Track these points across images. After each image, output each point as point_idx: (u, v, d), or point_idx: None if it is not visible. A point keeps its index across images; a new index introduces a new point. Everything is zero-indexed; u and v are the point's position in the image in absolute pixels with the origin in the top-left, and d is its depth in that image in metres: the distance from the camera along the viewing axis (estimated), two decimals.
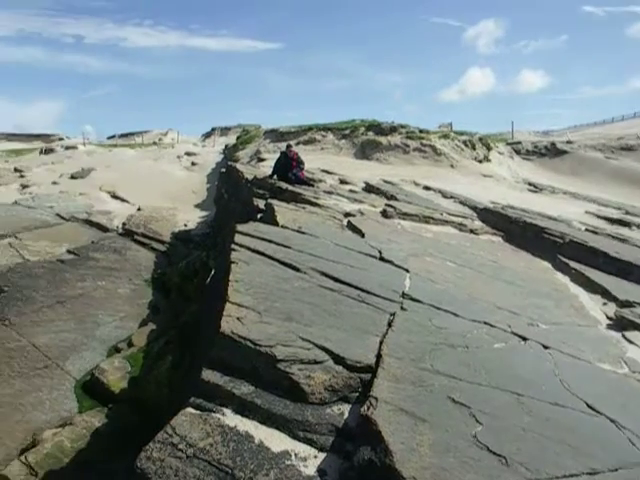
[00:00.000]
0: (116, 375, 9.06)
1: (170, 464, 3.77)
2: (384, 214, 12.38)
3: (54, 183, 28.62)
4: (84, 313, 11.35)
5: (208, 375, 4.52)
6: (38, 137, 54.84)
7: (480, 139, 30.00)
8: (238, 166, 20.08)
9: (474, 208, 14.96)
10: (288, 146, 15.98)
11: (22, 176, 30.84)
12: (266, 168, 18.86)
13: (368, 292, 6.61)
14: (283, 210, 10.63)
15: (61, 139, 53.12)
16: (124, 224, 19.08)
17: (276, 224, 9.42)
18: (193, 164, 34.33)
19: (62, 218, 20.08)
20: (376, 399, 4.21)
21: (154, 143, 47.26)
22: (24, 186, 28.20)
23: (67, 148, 43.30)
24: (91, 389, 9.03)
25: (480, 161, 27.46)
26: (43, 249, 15.70)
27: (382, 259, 8.39)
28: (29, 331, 10.30)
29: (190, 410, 4.28)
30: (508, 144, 31.34)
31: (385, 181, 18.79)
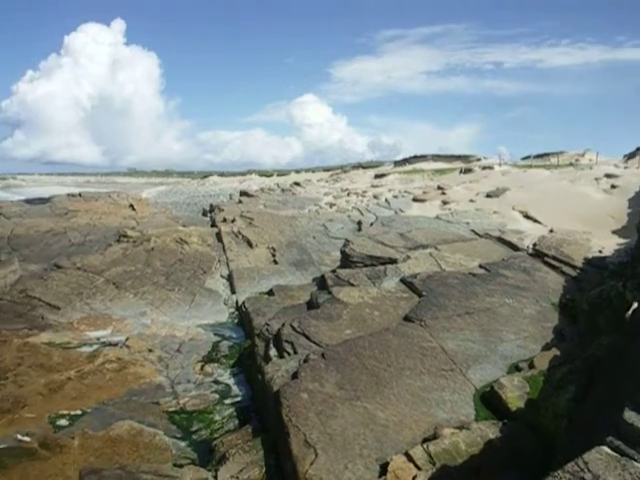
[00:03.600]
0: (514, 393, 9.11)
1: None
2: None
3: (471, 201, 30.65)
4: (489, 327, 11.78)
5: (632, 417, 4.17)
6: (458, 158, 58.79)
7: None
8: None
9: None
10: None
11: (443, 193, 34.10)
12: None
13: None
14: None
15: (478, 159, 56.03)
16: (535, 245, 18.95)
17: None
18: (613, 187, 31.70)
19: (476, 234, 21.33)
20: None
21: (570, 164, 45.47)
22: (444, 202, 31.19)
23: (483, 168, 45.54)
24: (488, 401, 9.32)
25: None
26: (458, 261, 16.97)
27: None
28: (440, 335, 11.26)
29: (606, 449, 4.03)
30: None
31: None
